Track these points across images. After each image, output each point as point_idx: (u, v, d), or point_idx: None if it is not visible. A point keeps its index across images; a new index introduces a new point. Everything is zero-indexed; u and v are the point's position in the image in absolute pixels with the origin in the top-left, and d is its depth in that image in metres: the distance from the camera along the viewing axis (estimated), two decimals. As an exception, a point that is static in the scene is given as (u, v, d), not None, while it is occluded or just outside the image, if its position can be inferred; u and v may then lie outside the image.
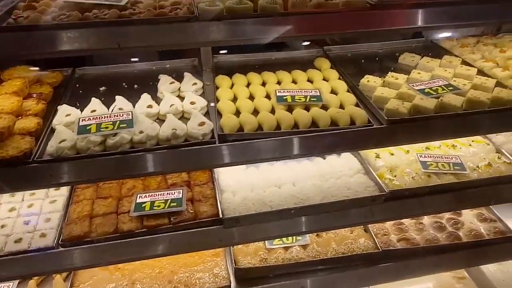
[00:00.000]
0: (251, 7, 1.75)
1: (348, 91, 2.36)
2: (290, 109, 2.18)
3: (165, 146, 1.86)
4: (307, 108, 2.19)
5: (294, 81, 2.50)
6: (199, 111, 2.11)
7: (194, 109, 2.10)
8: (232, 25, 1.69)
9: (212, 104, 2.26)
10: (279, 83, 2.47)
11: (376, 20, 1.81)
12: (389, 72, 2.47)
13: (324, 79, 2.52)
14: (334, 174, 2.44)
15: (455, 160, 2.50)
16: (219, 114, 2.14)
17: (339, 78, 2.48)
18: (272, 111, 2.17)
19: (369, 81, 2.37)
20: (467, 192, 2.35)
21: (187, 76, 2.44)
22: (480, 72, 2.52)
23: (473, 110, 2.14)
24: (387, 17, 1.80)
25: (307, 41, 2.80)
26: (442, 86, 2.27)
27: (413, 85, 2.26)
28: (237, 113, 2.16)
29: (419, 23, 1.84)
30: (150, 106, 2.13)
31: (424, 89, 2.23)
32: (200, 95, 2.34)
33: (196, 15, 1.68)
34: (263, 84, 2.46)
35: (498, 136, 2.79)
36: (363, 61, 2.79)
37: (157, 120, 2.11)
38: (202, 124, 1.98)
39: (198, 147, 1.87)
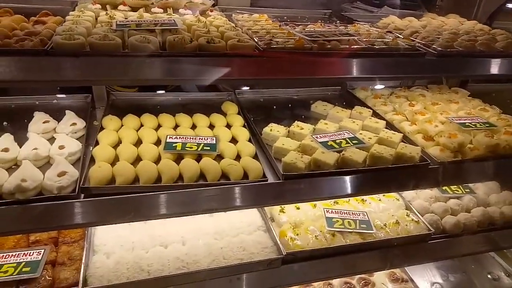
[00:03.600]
0: (119, 44, 1.51)
1: (250, 140, 2.16)
2: (180, 158, 1.94)
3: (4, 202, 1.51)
4: (200, 158, 1.96)
5: (194, 126, 2.28)
6: (66, 157, 1.80)
7: (60, 155, 1.79)
8: (92, 63, 1.43)
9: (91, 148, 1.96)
10: (177, 127, 2.24)
11: (264, 68, 1.64)
12: (296, 121, 2.32)
13: (228, 125, 2.32)
14: (231, 230, 2.19)
15: (362, 217, 2.35)
16: (94, 162, 1.84)
17: (243, 125, 2.29)
18: (159, 159, 1.92)
19: (272, 130, 2.20)
20: (371, 253, 2.18)
21: (68, 114, 2.13)
22: (389, 125, 2.44)
23: (375, 166, 2.01)
24: (275, 64, 1.64)
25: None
26: (347, 139, 2.14)
27: (316, 137, 2.11)
28: (116, 160, 1.87)
29: (312, 73, 1.70)
30: (5, 150, 1.78)
31: (327, 141, 2.09)
32: (79, 138, 2.03)
33: (46, 49, 1.41)
34: (159, 127, 2.21)
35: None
36: (274, 107, 2.65)
37: (14, 167, 1.77)
38: (62, 174, 1.66)
39: (47, 203, 1.54)
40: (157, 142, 2.07)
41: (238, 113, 2.45)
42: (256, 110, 2.56)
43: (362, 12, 2.89)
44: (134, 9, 2.14)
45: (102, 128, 2.10)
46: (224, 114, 2.43)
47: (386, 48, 1.80)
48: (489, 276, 2.71)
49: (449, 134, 2.21)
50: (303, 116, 2.55)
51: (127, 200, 1.67)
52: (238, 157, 2.02)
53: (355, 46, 1.75)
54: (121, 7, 2.11)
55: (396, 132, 2.30)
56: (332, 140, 2.11)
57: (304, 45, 1.70)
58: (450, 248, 2.34)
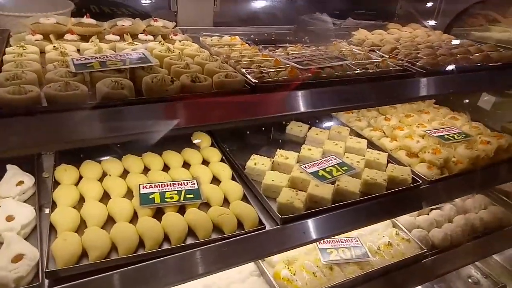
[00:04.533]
0: (86, 93, 1.20)
1: (233, 177, 1.93)
2: (160, 211, 1.66)
3: None
4: (182, 207, 1.69)
5: (166, 166, 2.00)
6: (19, 232, 1.44)
7: (10, 231, 1.42)
8: (53, 122, 1.11)
9: (48, 211, 1.60)
10: (147, 170, 1.93)
11: (258, 105, 1.43)
12: (278, 149, 2.13)
13: (204, 160, 2.06)
14: (222, 281, 1.95)
15: (355, 243, 2.24)
16: (55, 231, 1.49)
17: (222, 160, 2.06)
18: (135, 216, 1.62)
19: (257, 163, 1.99)
20: (371, 283, 2.07)
21: (11, 170, 1.74)
22: (370, 143, 2.35)
23: (369, 192, 1.91)
24: (270, 101, 1.43)
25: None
26: (336, 166, 2.00)
27: (305, 167, 1.95)
28: (83, 226, 1.54)
29: (310, 106, 1.51)
30: None
31: (318, 171, 1.93)
32: (28, 199, 1.66)
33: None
34: (124, 173, 1.89)
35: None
36: (248, 132, 2.44)
37: None
38: (18, 258, 1.31)
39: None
40: (128, 194, 1.76)
41: (212, 145, 2.21)
42: (230, 138, 2.32)
43: (325, 24, 2.77)
44: (84, 37, 1.80)
45: (56, 183, 1.74)
46: (196, 147, 2.17)
47: (379, 71, 1.68)
48: (469, 280, 2.76)
49: (433, 150, 2.18)
50: (280, 141, 2.40)
51: (108, 280, 1.36)
52: (225, 201, 1.79)
53: (351, 72, 1.61)
54: (68, 36, 1.76)
55: (380, 152, 2.22)
56: (322, 169, 1.96)
57: (298, 76, 1.51)
58: (445, 263, 2.32)
